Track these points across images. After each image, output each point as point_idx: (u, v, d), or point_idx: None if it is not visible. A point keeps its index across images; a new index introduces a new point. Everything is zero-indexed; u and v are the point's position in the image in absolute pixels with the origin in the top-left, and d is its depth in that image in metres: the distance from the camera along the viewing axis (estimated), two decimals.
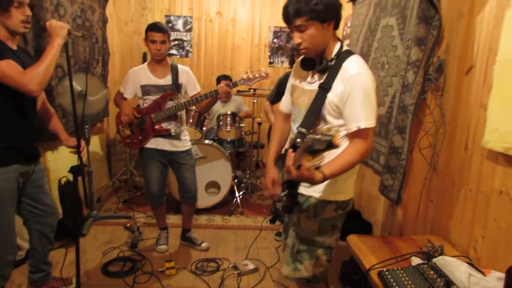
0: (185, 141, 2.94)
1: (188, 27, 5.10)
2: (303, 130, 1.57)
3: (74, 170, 2.02)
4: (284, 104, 1.92)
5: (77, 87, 3.01)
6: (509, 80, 1.48)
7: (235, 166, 4.55)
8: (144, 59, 5.02)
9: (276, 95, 3.24)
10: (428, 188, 2.21)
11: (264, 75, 2.68)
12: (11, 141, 1.88)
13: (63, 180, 3.17)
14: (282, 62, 5.23)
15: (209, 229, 3.53)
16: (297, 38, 1.55)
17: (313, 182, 1.44)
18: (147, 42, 2.73)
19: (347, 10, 4.11)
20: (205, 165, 3.77)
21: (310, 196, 1.69)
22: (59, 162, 3.40)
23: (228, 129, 4.06)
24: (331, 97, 1.55)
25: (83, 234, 3.27)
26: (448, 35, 2.09)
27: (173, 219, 3.67)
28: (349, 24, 4.08)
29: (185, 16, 5.08)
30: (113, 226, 3.51)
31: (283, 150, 1.88)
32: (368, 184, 3.12)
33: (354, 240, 2.06)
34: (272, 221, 3.68)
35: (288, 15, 1.53)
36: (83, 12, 3.81)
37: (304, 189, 1.68)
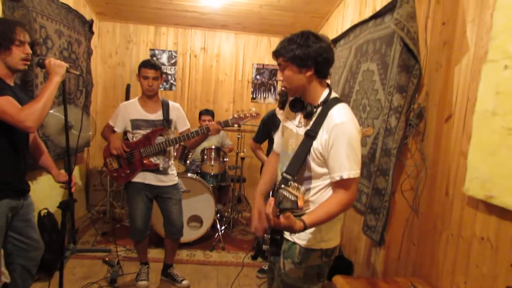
0: (172, 176, 2.95)
1: (172, 61, 5.19)
2: (288, 176, 1.59)
3: (64, 205, 1.99)
4: (276, 144, 1.94)
5: (61, 116, 2.99)
6: (488, 131, 1.59)
7: (216, 199, 4.55)
8: (128, 91, 5.07)
9: (262, 135, 3.34)
10: (410, 230, 2.30)
11: (255, 115, 2.78)
12: (4, 176, 1.87)
13: (43, 212, 3.10)
14: (265, 98, 5.37)
15: (190, 265, 3.49)
16: (279, 75, 1.65)
17: (293, 230, 1.43)
18: (139, 78, 2.78)
19: None
20: (188, 199, 3.76)
21: (294, 243, 1.68)
22: (37, 192, 3.31)
23: (212, 163, 4.10)
24: (316, 145, 1.57)
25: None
26: (427, 83, 2.24)
27: (154, 253, 3.61)
28: None
29: (170, 51, 5.18)
30: (91, 259, 3.42)
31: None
32: (350, 222, 3.20)
33: (340, 281, 2.10)
34: (254, 258, 3.72)
35: (274, 53, 1.64)
36: (70, 45, 3.84)
37: (289, 235, 1.69)
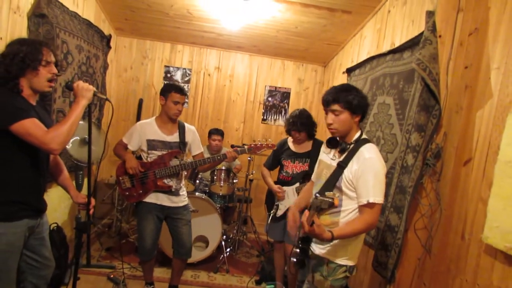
0: (183, 196, 2.96)
1: (186, 78, 5.25)
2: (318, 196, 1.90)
3: (80, 227, 2.00)
4: (314, 174, 2.32)
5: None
6: (510, 182, 1.60)
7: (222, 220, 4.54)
8: (140, 106, 5.11)
9: (272, 163, 3.36)
10: (421, 269, 2.28)
11: (271, 145, 2.80)
12: (24, 196, 1.87)
13: (53, 226, 3.10)
14: (275, 120, 5.40)
15: (194, 286, 3.46)
16: (329, 119, 1.98)
17: (322, 238, 1.76)
18: (166, 101, 2.80)
19: (342, 80, 4.36)
20: (196, 219, 3.75)
21: (323, 257, 2.00)
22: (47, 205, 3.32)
23: (222, 184, 4.10)
24: (347, 173, 1.92)
25: (66, 282, 3.14)
26: (446, 124, 2.25)
27: (158, 272, 3.59)
28: None
29: (184, 68, 5.24)
30: (96, 275, 3.41)
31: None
32: None
33: None
34: (258, 283, 3.69)
35: (327, 100, 1.97)
36: (88, 60, 3.90)
37: (319, 250, 2.03)
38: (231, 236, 4.46)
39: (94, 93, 1.92)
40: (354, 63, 3.88)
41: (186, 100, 5.24)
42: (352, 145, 1.97)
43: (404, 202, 2.34)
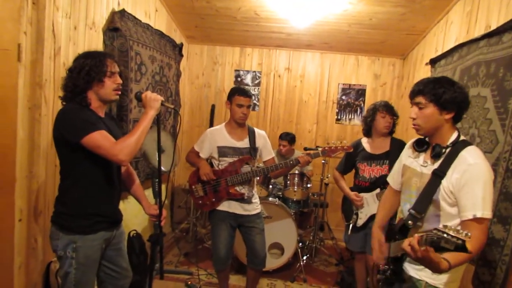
0: (255, 204, 2.87)
1: (256, 81, 5.19)
2: (414, 212, 1.69)
3: (154, 240, 1.98)
4: (394, 182, 2.04)
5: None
6: None
7: (297, 226, 4.39)
8: (213, 112, 5.15)
9: (345, 167, 3.12)
10: None
11: (346, 148, 2.59)
12: (100, 209, 1.90)
13: (132, 233, 3.19)
14: (350, 119, 5.11)
15: None
16: (413, 113, 1.72)
17: (437, 269, 1.43)
18: (231, 105, 2.74)
19: (424, 72, 3.97)
20: (269, 225, 3.64)
21: (421, 280, 1.71)
22: (127, 212, 3.43)
23: (295, 189, 3.95)
24: (446, 184, 1.61)
25: None
26: None
27: (234, 280, 3.54)
28: None
29: (254, 71, 5.19)
30: (174, 281, 3.45)
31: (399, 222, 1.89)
32: None
33: None
34: None
35: (413, 90, 1.72)
36: (161, 69, 3.99)
37: (414, 272, 1.73)
38: (307, 243, 4.28)
39: (162, 103, 1.89)
40: (439, 53, 3.49)
41: (257, 103, 5.18)
42: (449, 149, 1.66)
43: (511, 212, 1.99)
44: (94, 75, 1.78)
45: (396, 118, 2.99)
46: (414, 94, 1.71)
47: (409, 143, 1.93)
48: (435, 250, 1.29)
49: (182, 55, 4.63)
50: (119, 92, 1.91)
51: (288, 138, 4.35)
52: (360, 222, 2.94)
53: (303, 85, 5.16)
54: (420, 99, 1.68)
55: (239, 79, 5.20)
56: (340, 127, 5.14)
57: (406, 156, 1.93)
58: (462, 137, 1.69)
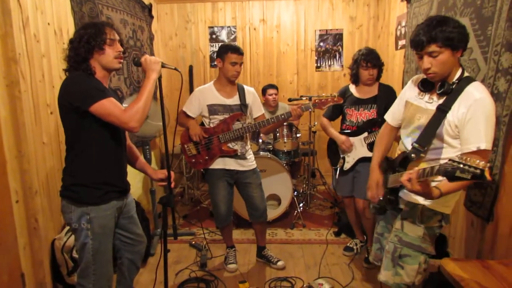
0: (250, 160, 2.89)
1: (232, 37, 5.07)
2: (417, 146, 1.76)
3: (165, 201, 2.00)
4: (393, 118, 2.06)
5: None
6: None
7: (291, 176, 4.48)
8: (191, 72, 5.04)
9: (333, 113, 3.12)
10: None
11: (337, 99, 2.61)
12: (111, 179, 1.90)
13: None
14: (330, 66, 5.10)
15: (274, 244, 3.47)
16: (427, 63, 1.66)
17: (429, 197, 1.57)
18: (223, 63, 2.69)
19: (400, 10, 3.95)
20: (264, 179, 3.69)
21: (418, 204, 1.81)
22: None
23: (285, 141, 3.99)
24: (451, 118, 1.67)
25: (152, 253, 3.29)
26: None
27: (235, 234, 3.62)
28: (403, 24, 3.91)
29: (228, 26, 5.05)
30: (178, 243, 3.51)
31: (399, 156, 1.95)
32: None
33: (450, 265, 1.91)
34: (337, 234, 3.62)
35: (420, 41, 1.64)
36: (134, 33, 3.84)
37: (411, 196, 1.81)
38: (301, 190, 4.40)
39: (163, 65, 1.88)
40: None
41: None
42: (454, 85, 1.68)
43: (498, 134, 2.08)
44: (94, 43, 1.75)
45: (381, 66, 2.91)
46: (423, 44, 1.63)
47: (412, 81, 1.93)
48: (449, 180, 1.31)
49: (152, 17, 4.45)
50: (122, 60, 1.88)
51: (275, 87, 4.38)
52: (347, 166, 2.99)
53: (280, 35, 5.07)
54: (433, 47, 1.62)
55: (214, 36, 5.07)
56: (320, 75, 5.13)
57: (409, 93, 1.92)
58: (466, 73, 1.71)
